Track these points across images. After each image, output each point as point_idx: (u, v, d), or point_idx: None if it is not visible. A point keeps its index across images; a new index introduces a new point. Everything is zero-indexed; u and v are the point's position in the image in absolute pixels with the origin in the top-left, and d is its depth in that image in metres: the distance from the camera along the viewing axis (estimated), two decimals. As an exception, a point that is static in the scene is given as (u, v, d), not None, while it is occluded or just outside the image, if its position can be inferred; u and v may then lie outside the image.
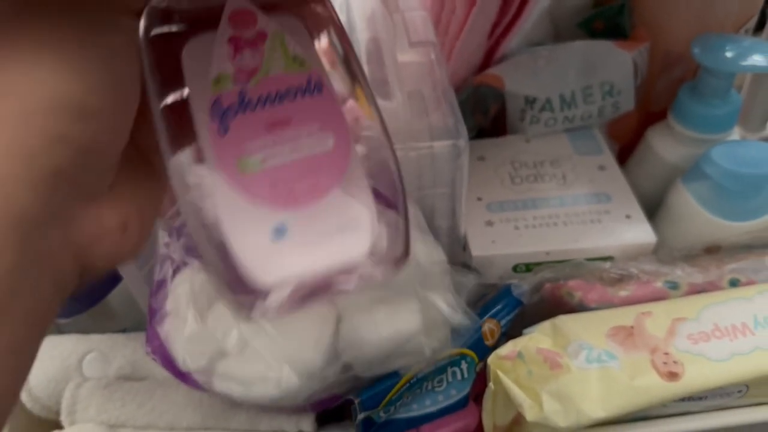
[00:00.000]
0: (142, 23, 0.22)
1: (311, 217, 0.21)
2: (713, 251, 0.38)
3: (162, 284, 0.33)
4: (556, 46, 0.42)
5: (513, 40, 0.42)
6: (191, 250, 0.33)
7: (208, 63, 0.21)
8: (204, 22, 0.22)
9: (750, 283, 0.35)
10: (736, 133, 0.41)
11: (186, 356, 0.31)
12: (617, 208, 0.38)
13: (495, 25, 0.42)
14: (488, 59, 0.43)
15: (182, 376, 0.32)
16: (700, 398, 0.32)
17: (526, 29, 0.43)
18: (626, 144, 0.45)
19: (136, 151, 0.23)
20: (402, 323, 0.31)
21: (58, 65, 0.19)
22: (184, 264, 0.33)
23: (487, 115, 0.43)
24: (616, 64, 0.41)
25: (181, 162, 0.21)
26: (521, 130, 0.43)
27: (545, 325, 0.33)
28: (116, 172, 0.22)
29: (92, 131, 0.20)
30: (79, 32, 0.20)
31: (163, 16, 0.22)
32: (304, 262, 0.21)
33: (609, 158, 0.41)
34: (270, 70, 0.22)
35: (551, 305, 0.35)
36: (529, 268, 0.37)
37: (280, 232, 0.21)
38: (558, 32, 0.47)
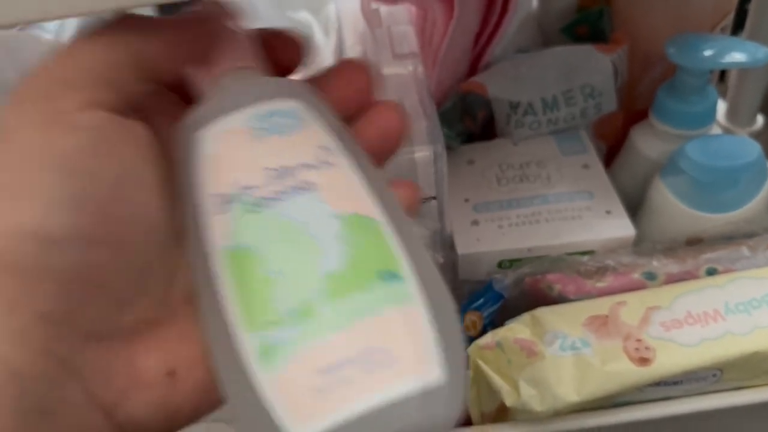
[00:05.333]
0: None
1: None
2: (695, 243, 0.39)
3: None
4: (538, 53, 0.44)
5: (498, 48, 0.44)
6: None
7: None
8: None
9: (727, 271, 0.36)
10: (716, 128, 0.43)
11: None
12: (598, 205, 0.40)
13: (479, 35, 0.44)
14: (474, 67, 0.45)
15: None
16: (676, 383, 0.33)
17: (512, 36, 0.45)
18: (613, 143, 0.47)
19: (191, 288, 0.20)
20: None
21: (11, 185, 0.17)
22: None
23: (476, 121, 0.45)
24: (595, 67, 0.43)
25: None
26: (509, 133, 0.45)
27: (525, 317, 0.35)
28: (152, 307, 0.20)
29: (71, 261, 0.17)
30: (35, 139, 0.18)
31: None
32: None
33: (593, 157, 0.43)
34: None
35: (532, 298, 0.37)
36: (513, 264, 0.39)
37: None
38: (545, 38, 0.49)
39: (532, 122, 0.44)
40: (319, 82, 0.23)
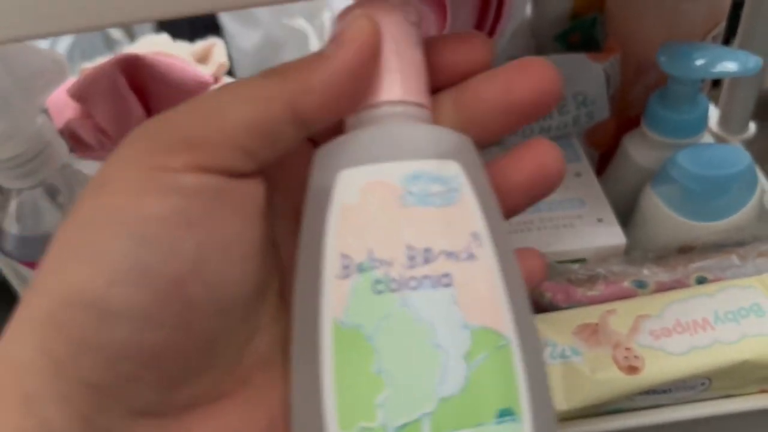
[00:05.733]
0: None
1: None
2: (686, 251, 0.40)
3: None
4: (531, 61, 0.44)
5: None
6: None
7: None
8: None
9: (717, 280, 0.36)
10: (708, 136, 0.43)
11: None
12: (590, 213, 0.40)
13: (472, 43, 0.44)
14: (468, 75, 0.45)
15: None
16: (665, 391, 0.33)
17: (505, 44, 0.45)
18: (605, 151, 0.47)
19: (272, 347, 0.19)
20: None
21: (81, 246, 0.16)
22: None
23: (470, 128, 0.46)
24: (588, 76, 0.43)
25: None
26: (502, 141, 0.45)
27: (516, 325, 0.35)
28: (214, 382, 0.18)
29: (124, 338, 0.16)
30: (122, 198, 0.16)
31: None
32: None
33: (585, 165, 0.43)
34: None
35: (524, 306, 0.37)
36: (505, 271, 0.39)
37: None
38: (538, 46, 0.49)
39: (524, 129, 0.44)
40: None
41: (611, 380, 0.32)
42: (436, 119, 0.20)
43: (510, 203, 0.20)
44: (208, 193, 0.17)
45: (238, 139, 0.17)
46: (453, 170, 0.18)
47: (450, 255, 0.17)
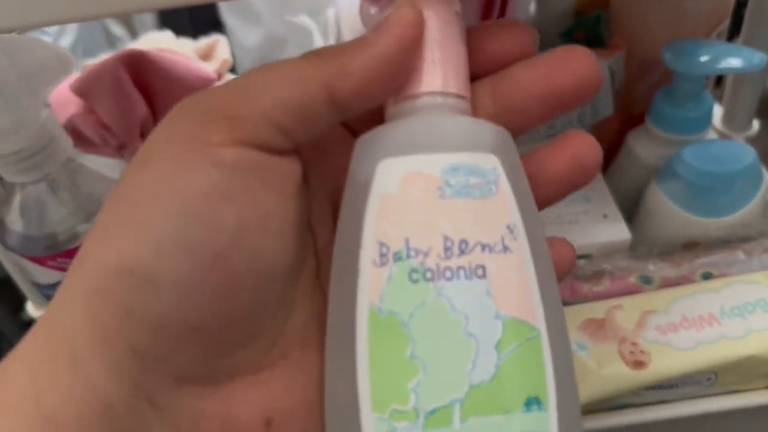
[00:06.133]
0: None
1: None
2: (691, 247, 0.39)
3: None
4: (535, 57, 0.44)
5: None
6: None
7: None
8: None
9: (723, 275, 0.36)
10: (713, 133, 0.43)
11: None
12: (595, 209, 0.40)
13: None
14: (472, 72, 0.45)
15: None
16: (671, 387, 0.33)
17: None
18: (610, 147, 0.47)
19: (309, 323, 0.20)
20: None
21: (126, 217, 0.17)
22: None
23: (473, 125, 0.46)
24: (592, 72, 0.43)
25: None
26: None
27: (522, 321, 0.35)
28: (256, 353, 0.19)
29: (168, 305, 0.16)
30: (167, 170, 0.17)
31: None
32: None
33: (590, 161, 0.43)
34: None
35: (529, 302, 0.37)
36: (510, 267, 0.39)
37: None
38: (543, 43, 0.49)
39: (529, 126, 0.44)
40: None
41: (617, 375, 0.32)
42: (474, 107, 0.20)
43: (546, 193, 0.21)
44: (246, 167, 0.17)
45: (275, 116, 0.18)
46: (491, 163, 0.19)
47: (485, 247, 0.18)
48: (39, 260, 0.36)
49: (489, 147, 0.19)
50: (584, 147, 0.20)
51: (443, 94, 0.19)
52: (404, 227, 0.18)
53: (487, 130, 0.19)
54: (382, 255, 0.18)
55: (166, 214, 0.17)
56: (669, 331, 0.33)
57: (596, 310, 0.35)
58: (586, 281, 0.36)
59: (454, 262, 0.17)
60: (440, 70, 0.19)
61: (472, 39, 0.20)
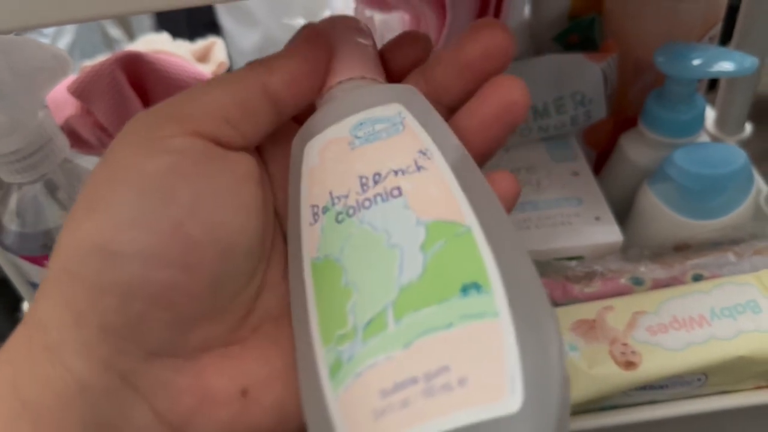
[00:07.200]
0: None
1: None
2: (682, 249, 0.40)
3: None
4: (529, 61, 0.44)
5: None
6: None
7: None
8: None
9: (713, 277, 0.37)
10: (705, 136, 0.43)
11: None
12: (587, 211, 0.40)
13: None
14: (467, 75, 0.45)
15: None
16: (661, 387, 0.33)
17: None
18: (603, 150, 0.47)
19: (282, 302, 0.21)
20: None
21: (89, 200, 0.18)
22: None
23: (468, 127, 0.46)
24: (586, 75, 0.43)
25: None
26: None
27: (514, 321, 0.35)
28: (226, 327, 0.19)
29: (133, 277, 0.17)
30: (124, 159, 0.19)
31: None
32: None
33: (583, 164, 0.44)
34: None
35: (521, 303, 0.37)
36: (503, 269, 0.39)
37: None
38: (537, 46, 0.50)
39: (523, 129, 0.44)
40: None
41: (608, 375, 0.32)
42: None
43: (484, 137, 0.22)
44: (197, 151, 0.19)
45: (220, 111, 0.20)
46: (395, 110, 0.21)
47: (398, 172, 0.19)
48: (35, 260, 0.36)
49: (392, 99, 0.21)
50: (509, 87, 0.21)
51: (352, 79, 0.22)
52: (327, 185, 0.20)
53: (389, 89, 0.22)
54: (315, 214, 0.20)
55: (124, 194, 0.18)
56: (660, 331, 0.33)
57: (587, 311, 0.35)
58: (577, 282, 0.36)
59: (371, 193, 0.19)
60: (348, 61, 0.22)
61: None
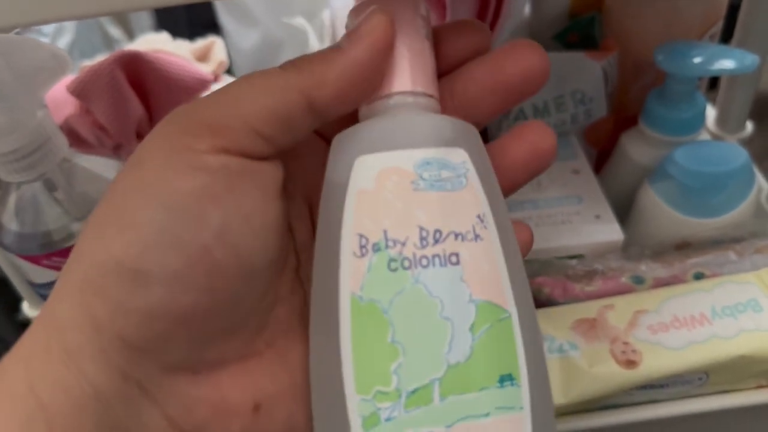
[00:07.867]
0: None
1: None
2: (683, 247, 0.40)
3: None
4: (529, 59, 0.44)
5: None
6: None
7: None
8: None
9: (714, 275, 0.37)
10: (706, 134, 0.43)
11: None
12: (587, 209, 0.40)
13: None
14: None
15: None
16: (662, 386, 0.33)
17: (504, 43, 0.46)
18: (603, 148, 0.47)
19: (291, 316, 0.21)
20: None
21: (118, 215, 0.18)
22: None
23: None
24: (586, 74, 0.43)
25: None
26: (501, 138, 0.45)
27: (514, 320, 0.35)
28: (242, 343, 0.20)
29: (156, 299, 0.17)
30: (155, 174, 0.18)
31: None
32: None
33: (583, 162, 0.44)
34: None
35: (522, 302, 0.37)
36: (503, 267, 0.39)
37: None
38: (537, 45, 0.49)
39: (523, 127, 0.44)
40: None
41: (609, 374, 0.32)
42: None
43: (507, 179, 0.22)
44: (229, 171, 0.18)
45: (256, 125, 0.18)
46: (460, 157, 0.20)
47: (458, 235, 0.19)
48: (34, 259, 0.36)
49: (457, 141, 0.20)
50: (541, 136, 0.22)
51: (413, 93, 0.20)
52: (382, 220, 0.19)
53: (455, 126, 0.20)
54: (362, 246, 0.19)
55: (154, 213, 0.17)
56: (660, 330, 0.33)
57: (588, 309, 0.35)
58: (578, 281, 0.36)
59: (429, 251, 0.18)
60: (409, 71, 0.20)
61: (435, 41, 0.22)
